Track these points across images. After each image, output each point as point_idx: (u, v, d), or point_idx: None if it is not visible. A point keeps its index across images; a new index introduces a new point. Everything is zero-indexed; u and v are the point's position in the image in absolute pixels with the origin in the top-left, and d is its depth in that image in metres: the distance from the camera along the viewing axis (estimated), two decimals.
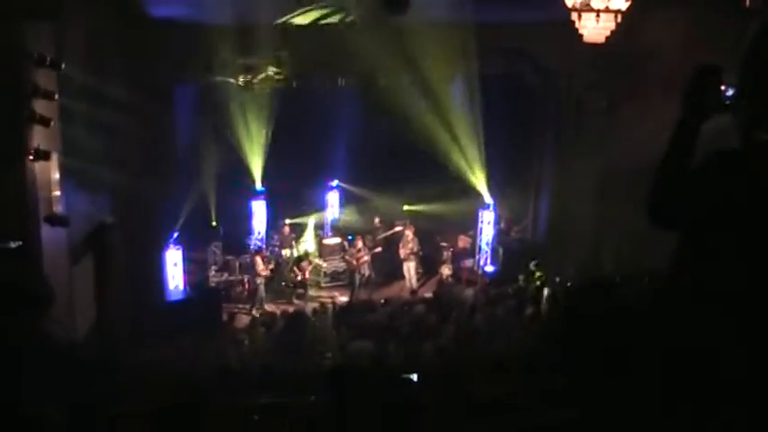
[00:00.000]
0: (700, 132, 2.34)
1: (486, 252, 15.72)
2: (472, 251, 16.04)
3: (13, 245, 4.00)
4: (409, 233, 15.21)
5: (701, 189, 2.28)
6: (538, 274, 13.47)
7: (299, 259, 15.06)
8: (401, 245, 15.20)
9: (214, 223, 15.37)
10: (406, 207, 16.96)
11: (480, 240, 15.77)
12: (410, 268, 15.14)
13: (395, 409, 4.40)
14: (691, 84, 2.31)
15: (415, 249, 15.15)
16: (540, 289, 12.60)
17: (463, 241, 16.37)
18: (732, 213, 2.19)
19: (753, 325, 2.02)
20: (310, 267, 14.90)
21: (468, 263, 15.97)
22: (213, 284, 14.76)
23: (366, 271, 15.06)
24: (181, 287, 13.76)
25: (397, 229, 16.17)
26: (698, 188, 2.28)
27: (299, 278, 14.73)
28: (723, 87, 2.31)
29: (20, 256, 4.02)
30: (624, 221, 11.12)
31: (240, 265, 15.08)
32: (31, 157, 8.58)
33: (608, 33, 9.73)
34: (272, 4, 11.40)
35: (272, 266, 14.63)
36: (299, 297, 14.63)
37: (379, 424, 4.29)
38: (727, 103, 2.31)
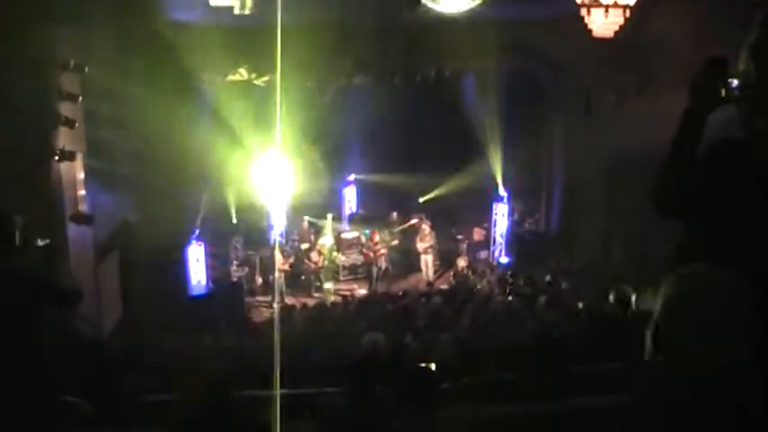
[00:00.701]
0: (706, 122, 2.42)
1: (501, 244, 15.87)
2: (487, 243, 16.18)
3: (40, 243, 4.13)
4: (426, 227, 15.36)
5: (707, 178, 2.37)
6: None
7: (309, 250, 15.21)
8: (419, 238, 15.34)
9: (234, 220, 15.58)
10: (421, 200, 17.09)
11: (494, 232, 15.91)
12: (428, 261, 15.29)
13: (414, 398, 4.50)
14: (697, 75, 2.34)
15: (433, 243, 15.28)
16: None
17: (478, 233, 16.49)
18: (737, 202, 2.28)
19: (762, 313, 2.02)
20: (321, 258, 15.04)
21: (483, 254, 16.12)
22: (235, 279, 14.96)
23: (383, 264, 15.23)
24: (203, 282, 13.99)
25: (413, 221, 16.33)
26: (703, 177, 2.37)
27: (311, 268, 14.94)
28: (729, 79, 2.39)
29: (47, 255, 4.15)
30: (633, 212, 11.16)
31: (260, 259, 15.27)
32: (57, 158, 8.78)
33: (617, 28, 9.77)
34: (293, 5, 11.47)
35: (291, 261, 14.83)
36: (318, 290, 14.83)
37: (398, 414, 4.39)
38: (733, 93, 2.39)
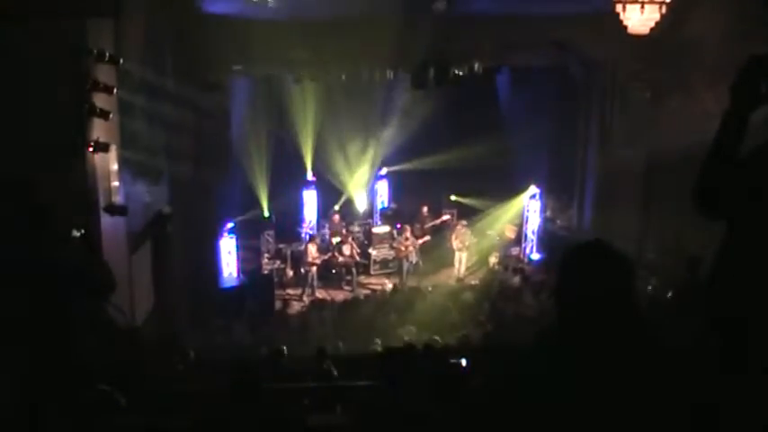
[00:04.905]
0: (747, 121, 2.36)
1: (532, 240, 15.74)
2: (518, 239, 16.06)
3: (74, 233, 4.17)
4: (462, 227, 15.24)
5: (749, 178, 2.31)
6: None
7: (341, 243, 15.22)
8: (454, 237, 15.21)
9: (266, 214, 15.65)
10: (453, 197, 16.99)
11: (526, 229, 15.80)
12: (462, 259, 15.17)
13: (444, 392, 4.48)
14: (741, 74, 2.32)
15: (469, 242, 15.15)
16: None
17: (510, 230, 16.36)
18: None
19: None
20: (351, 249, 15.04)
21: (515, 251, 16.01)
22: (266, 272, 15.03)
23: (414, 258, 15.19)
24: (235, 274, 14.09)
25: (445, 218, 16.26)
26: (745, 177, 2.32)
27: (342, 260, 14.96)
28: None
29: (81, 245, 4.19)
30: (668, 211, 11.00)
31: (292, 253, 15.34)
32: (91, 149, 8.86)
33: (652, 24, 9.68)
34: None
35: (325, 257, 14.82)
36: (349, 284, 14.84)
37: (429, 407, 4.37)
38: None
